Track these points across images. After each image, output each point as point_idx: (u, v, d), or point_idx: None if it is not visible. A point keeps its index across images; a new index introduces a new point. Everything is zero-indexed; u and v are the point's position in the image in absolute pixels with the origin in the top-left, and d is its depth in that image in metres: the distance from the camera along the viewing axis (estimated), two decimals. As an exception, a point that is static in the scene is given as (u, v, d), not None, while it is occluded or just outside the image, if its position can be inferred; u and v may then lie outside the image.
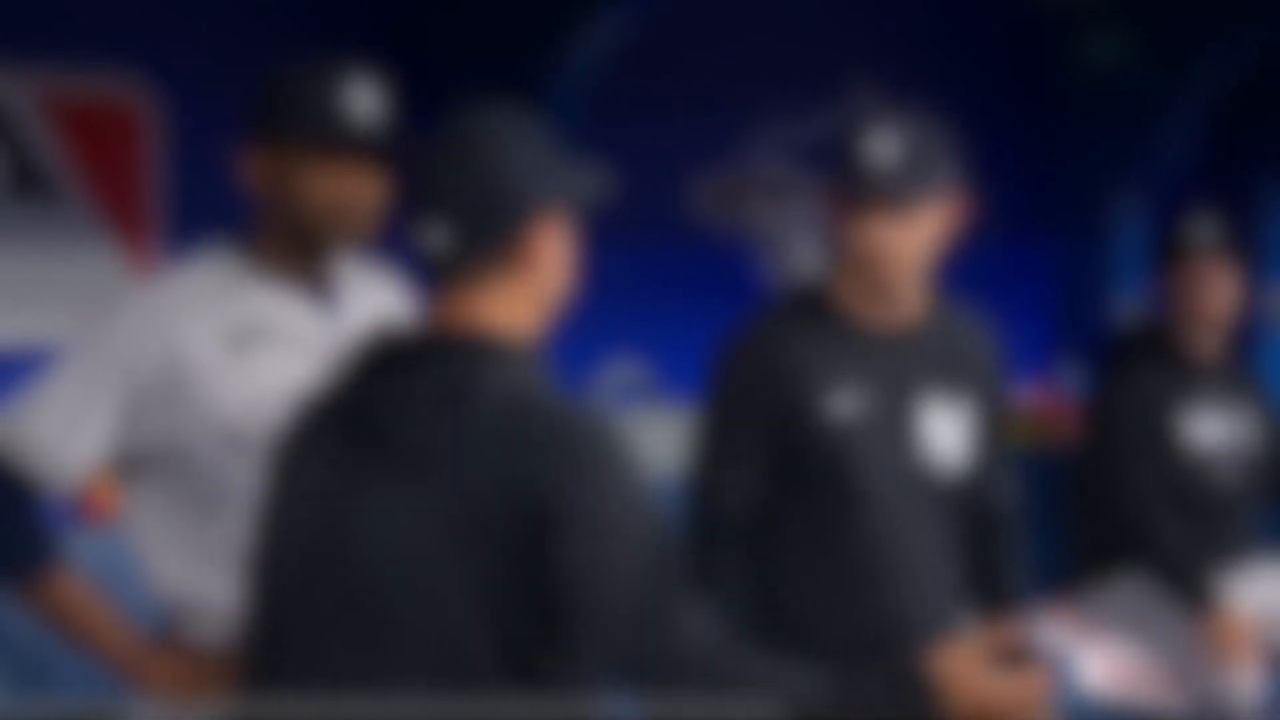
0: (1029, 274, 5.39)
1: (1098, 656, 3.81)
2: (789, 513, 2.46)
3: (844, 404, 2.49)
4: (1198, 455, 3.72)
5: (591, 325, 5.09)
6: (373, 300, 2.43)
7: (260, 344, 2.28)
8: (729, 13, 4.94)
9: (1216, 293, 3.71)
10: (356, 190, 2.29)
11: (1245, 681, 3.65)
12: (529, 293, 1.88)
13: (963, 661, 1.80)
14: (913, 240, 2.49)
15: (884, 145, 2.50)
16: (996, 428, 2.62)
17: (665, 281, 4.91)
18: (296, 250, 2.33)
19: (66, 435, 2.20)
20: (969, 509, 2.56)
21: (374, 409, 1.80)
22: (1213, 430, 3.74)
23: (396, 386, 1.80)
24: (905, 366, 2.56)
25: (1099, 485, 3.83)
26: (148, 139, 3.97)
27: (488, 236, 1.84)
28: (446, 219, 1.84)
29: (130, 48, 3.95)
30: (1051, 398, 5.24)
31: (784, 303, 2.63)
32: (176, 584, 2.30)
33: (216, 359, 2.25)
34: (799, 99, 5.20)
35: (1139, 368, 3.78)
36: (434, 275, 1.87)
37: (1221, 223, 3.75)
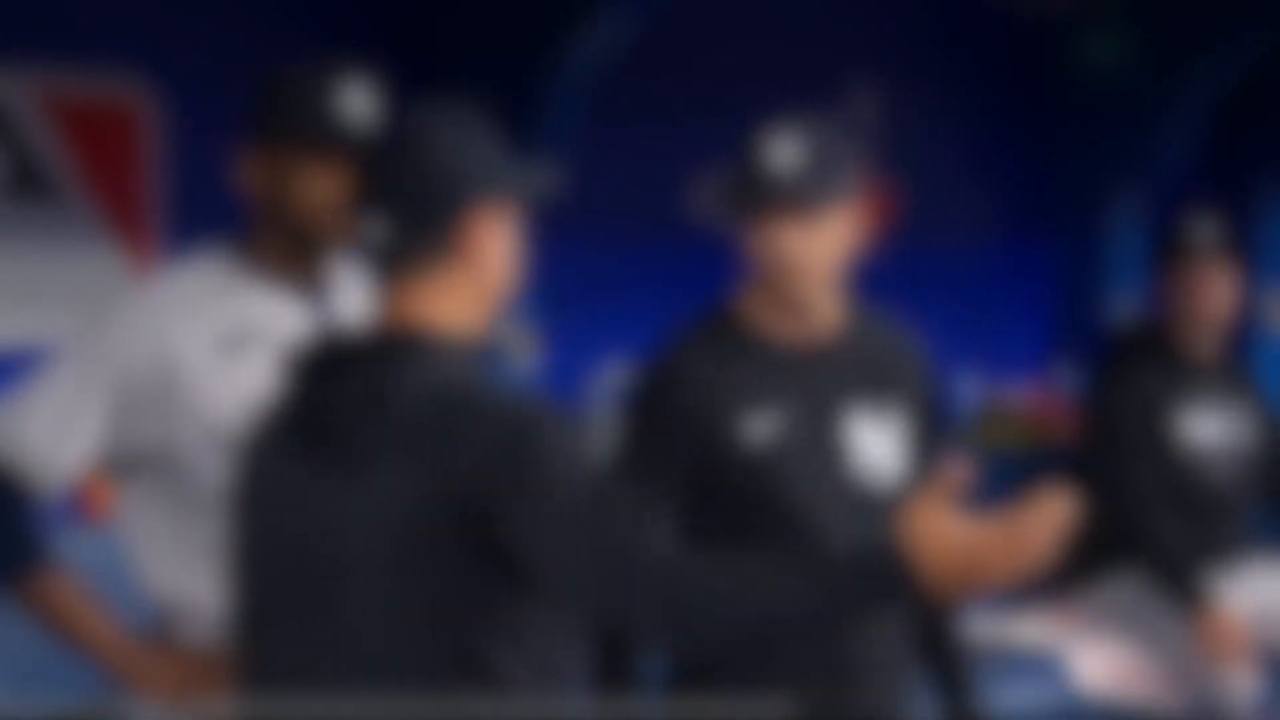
0: (1027, 274, 5.39)
1: (1093, 655, 3.82)
2: (718, 547, 2.36)
3: (762, 427, 2.41)
4: (1195, 454, 3.72)
5: (592, 325, 5.10)
6: (366, 303, 2.42)
7: (252, 347, 2.28)
8: (729, 13, 4.95)
9: (1216, 293, 3.71)
10: (350, 191, 2.29)
11: (1240, 680, 3.65)
12: (469, 287, 1.86)
13: (928, 517, 1.75)
14: (820, 247, 2.43)
15: (783, 150, 2.46)
16: (934, 434, 2.56)
17: (665, 282, 4.92)
18: (290, 252, 2.33)
19: (57, 436, 2.20)
20: None
21: (320, 410, 1.81)
22: (1210, 430, 3.74)
23: (340, 386, 1.81)
24: (824, 382, 2.47)
25: (1097, 484, 3.83)
26: (148, 139, 3.97)
27: (426, 230, 1.84)
28: (386, 214, 1.84)
29: (131, 48, 3.96)
30: (1048, 397, 5.24)
31: (691, 327, 2.52)
32: (169, 584, 2.30)
33: (209, 361, 2.25)
34: (799, 99, 5.20)
35: (1138, 367, 3.78)
36: (377, 271, 1.87)
37: (1221, 223, 3.75)
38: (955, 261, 5.41)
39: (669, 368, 2.49)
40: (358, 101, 2.26)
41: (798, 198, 2.40)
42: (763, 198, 2.40)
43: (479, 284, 1.87)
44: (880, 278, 5.80)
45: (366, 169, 1.88)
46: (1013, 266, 5.39)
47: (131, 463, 2.26)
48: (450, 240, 1.85)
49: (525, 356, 4.54)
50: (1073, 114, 5.29)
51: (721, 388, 2.42)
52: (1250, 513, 3.82)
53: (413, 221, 1.84)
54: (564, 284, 4.63)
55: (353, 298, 2.38)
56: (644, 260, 4.91)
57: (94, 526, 3.52)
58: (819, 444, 2.42)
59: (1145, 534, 3.72)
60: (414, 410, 1.75)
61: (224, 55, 3.95)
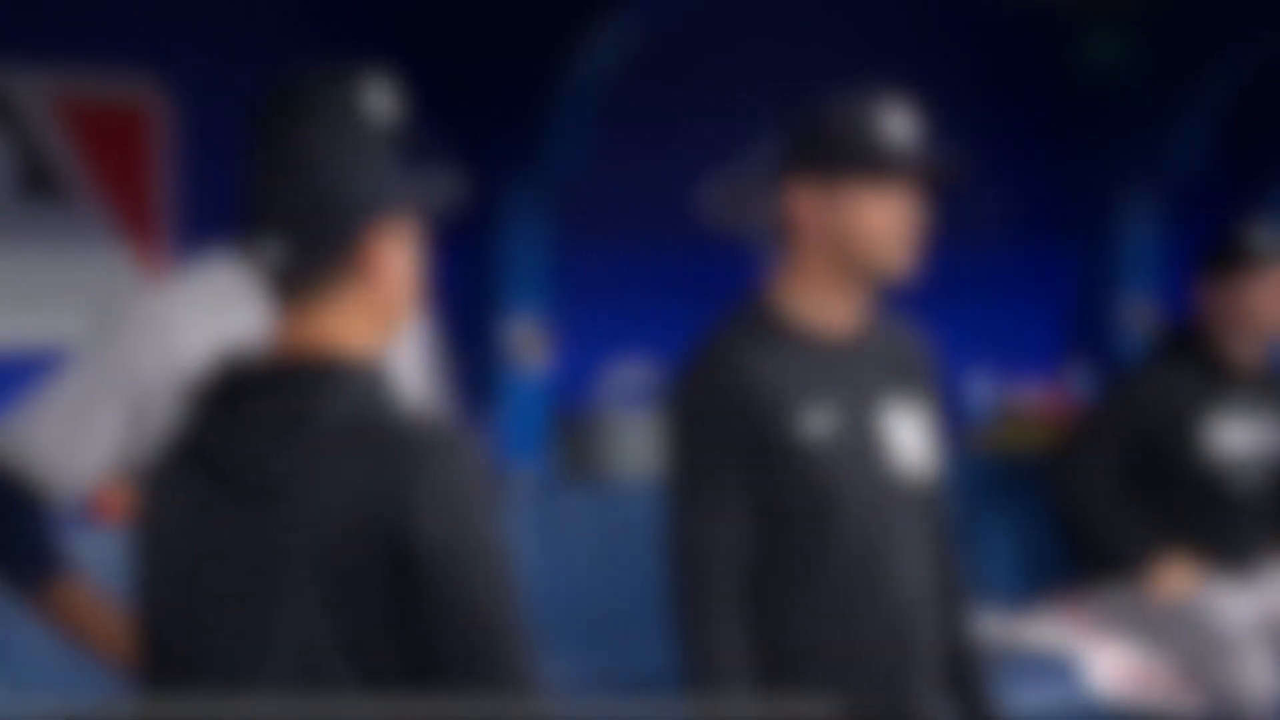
0: (1039, 275, 5.37)
1: (1107, 656, 3.81)
2: (773, 541, 2.40)
3: (817, 420, 2.44)
4: (1224, 457, 3.72)
5: (599, 326, 5.09)
6: None
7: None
8: (742, 15, 4.94)
9: (1269, 300, 3.72)
10: None
11: (1255, 680, 3.64)
12: (370, 306, 1.83)
13: None
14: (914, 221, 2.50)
15: (904, 122, 2.52)
16: (940, 429, 2.60)
17: (673, 283, 4.91)
18: None
19: (73, 444, 2.19)
20: (934, 509, 2.53)
21: (220, 440, 1.79)
22: (1242, 437, 3.74)
23: (240, 415, 1.79)
24: (865, 374, 2.51)
25: (1057, 463, 3.82)
26: (158, 140, 3.97)
27: (324, 251, 1.80)
28: (281, 235, 1.82)
29: (141, 49, 3.95)
30: (1061, 398, 5.23)
31: (728, 320, 2.54)
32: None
33: (198, 374, 2.24)
34: (806, 101, 5.19)
35: (1170, 371, 3.77)
36: (274, 293, 1.84)
37: (1271, 231, 3.77)
38: (967, 262, 5.39)
39: (720, 361, 2.47)
40: (376, 101, 2.26)
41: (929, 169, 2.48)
42: (895, 168, 2.44)
43: (379, 302, 1.83)
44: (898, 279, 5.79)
45: (259, 188, 1.86)
46: (1025, 267, 5.38)
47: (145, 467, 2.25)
48: (349, 260, 1.81)
49: (535, 358, 4.53)
50: (1085, 115, 5.27)
51: (775, 380, 2.43)
52: (1276, 517, 3.81)
53: (310, 242, 1.80)
54: (574, 284, 4.62)
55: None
56: (654, 261, 4.90)
57: (106, 527, 3.51)
58: (865, 436, 2.45)
59: (1092, 509, 3.71)
60: (327, 437, 1.73)
61: (235, 56, 3.94)
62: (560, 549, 4.28)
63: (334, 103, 2.24)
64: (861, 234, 2.44)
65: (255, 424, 1.77)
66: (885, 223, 2.44)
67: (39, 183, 3.79)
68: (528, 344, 4.50)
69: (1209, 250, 3.91)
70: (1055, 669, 3.85)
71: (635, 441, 4.51)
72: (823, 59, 5.20)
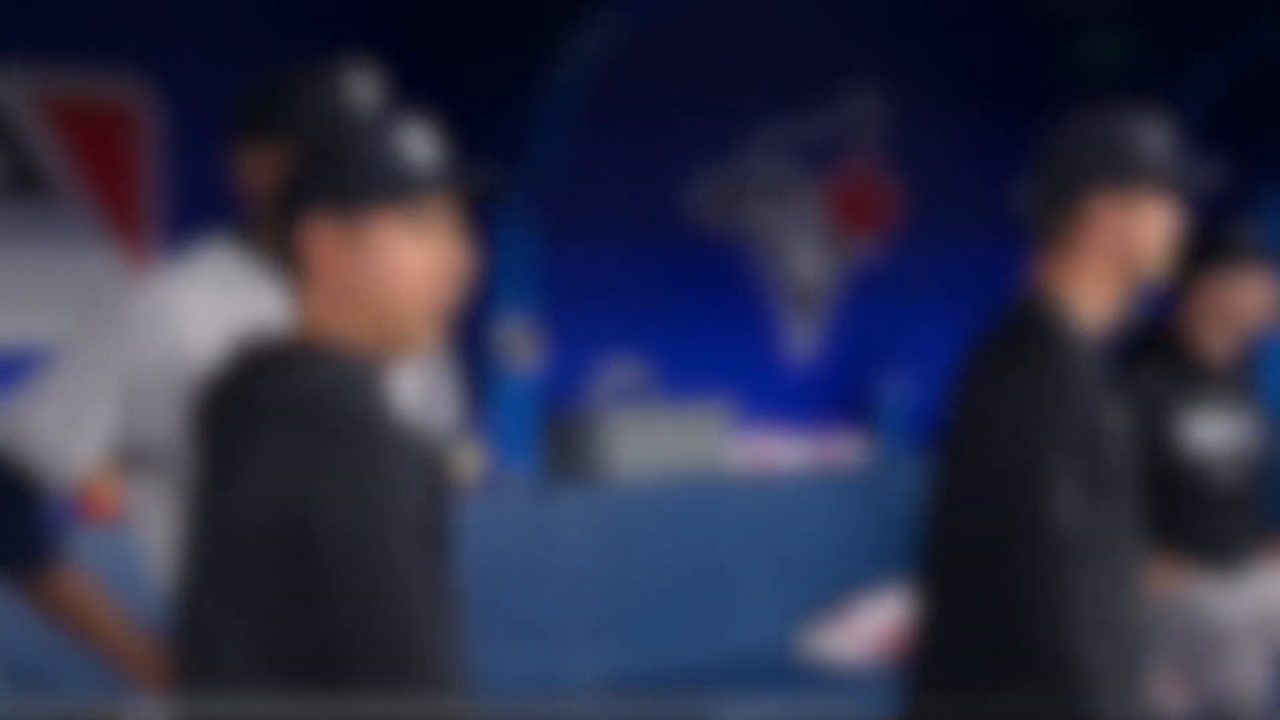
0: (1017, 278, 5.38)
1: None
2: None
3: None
4: (1202, 457, 3.71)
5: (591, 325, 5.09)
6: None
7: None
8: (730, 12, 4.94)
9: (1251, 298, 3.71)
10: None
11: (1249, 680, 3.63)
12: (368, 299, 1.82)
13: None
14: None
15: (1164, 137, 2.66)
16: None
17: (662, 281, 4.91)
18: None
19: (68, 431, 2.18)
20: None
21: (216, 412, 1.82)
22: (1218, 433, 3.74)
23: (232, 389, 1.82)
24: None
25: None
26: (147, 140, 3.96)
27: (313, 233, 1.83)
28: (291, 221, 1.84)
29: (129, 49, 3.94)
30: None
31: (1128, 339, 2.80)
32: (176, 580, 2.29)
33: (216, 354, 2.24)
34: (799, 99, 5.19)
35: (1144, 368, 3.76)
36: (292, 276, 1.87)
37: (1256, 230, 3.76)
38: (968, 263, 5.39)
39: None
40: (362, 94, 2.25)
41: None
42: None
43: (379, 297, 1.82)
44: (895, 279, 5.79)
45: (296, 171, 1.86)
46: (1026, 268, 5.37)
47: (141, 458, 2.24)
48: (335, 241, 1.81)
49: (526, 357, 4.52)
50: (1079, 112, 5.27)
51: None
52: (1257, 514, 3.81)
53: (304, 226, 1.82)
54: (563, 284, 4.61)
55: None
56: (644, 259, 4.89)
57: (99, 525, 3.50)
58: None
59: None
60: (267, 418, 1.75)
61: (223, 56, 3.94)
62: (552, 548, 4.27)
63: (318, 96, 2.23)
64: (1143, 243, 2.61)
65: (234, 400, 1.79)
66: (1160, 232, 2.62)
67: (27, 182, 3.78)
68: (518, 345, 4.49)
69: (1188, 247, 3.91)
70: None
71: (627, 441, 4.50)
72: (814, 56, 5.20)
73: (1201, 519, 3.74)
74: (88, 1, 3.90)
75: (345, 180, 1.81)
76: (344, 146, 1.82)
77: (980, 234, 5.26)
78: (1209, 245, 3.78)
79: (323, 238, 1.81)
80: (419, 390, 2.38)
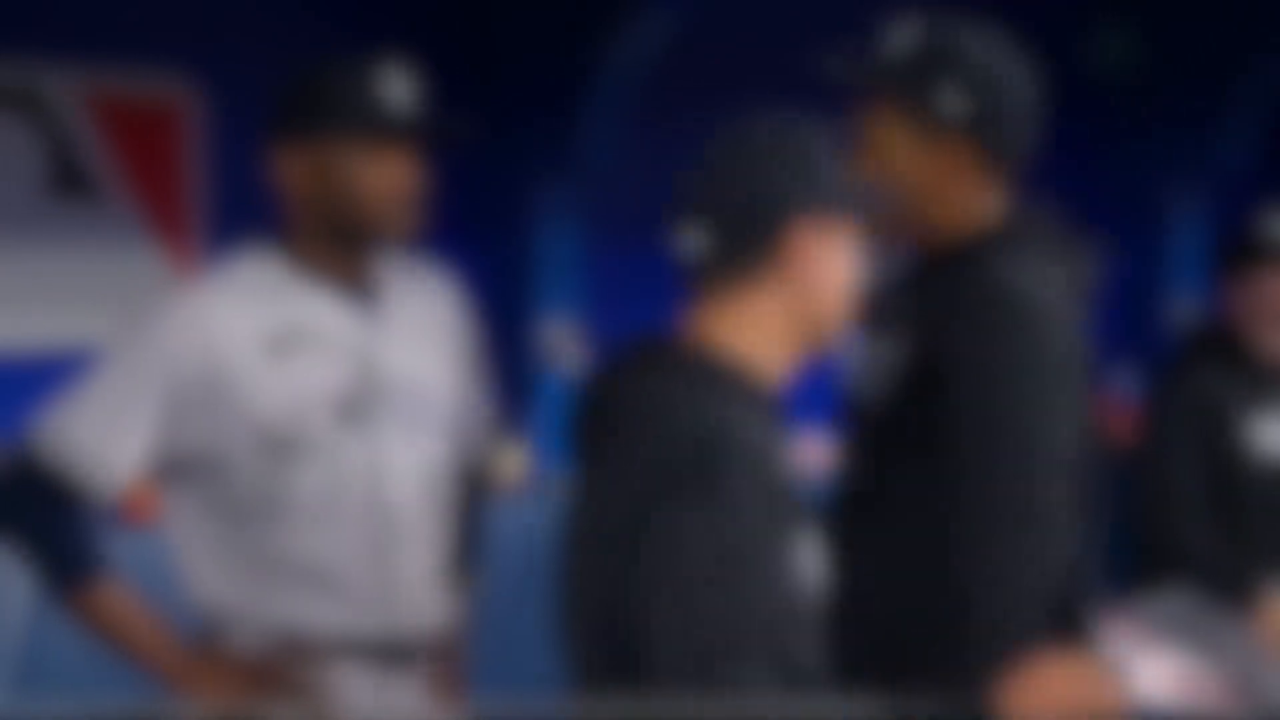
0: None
1: (1157, 665, 3.74)
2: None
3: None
4: (1261, 458, 3.65)
5: (635, 324, 5.04)
6: (419, 301, 2.37)
7: (301, 348, 2.24)
8: (776, 10, 4.89)
9: None
10: (399, 179, 2.25)
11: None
12: (781, 311, 1.79)
13: (1031, 679, 1.75)
14: None
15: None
16: None
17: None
18: (337, 250, 2.29)
19: (107, 441, 2.16)
20: None
21: (585, 417, 1.83)
22: (1277, 434, 3.67)
23: (605, 394, 1.81)
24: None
25: (1143, 491, 3.76)
26: (191, 139, 3.95)
27: (742, 244, 1.76)
28: (707, 224, 1.77)
29: (174, 48, 3.93)
30: (1108, 403, 5.16)
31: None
32: (214, 591, 2.26)
33: (256, 363, 2.20)
34: (845, 97, 5.13)
35: (1200, 370, 3.71)
36: (689, 282, 1.81)
37: None
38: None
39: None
40: (400, 87, 2.22)
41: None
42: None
43: (794, 307, 1.79)
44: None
45: (687, 180, 1.85)
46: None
47: (179, 466, 2.22)
48: (767, 257, 1.76)
49: (570, 359, 4.49)
50: (1131, 113, 5.20)
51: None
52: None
53: (730, 234, 1.76)
54: (608, 283, 4.57)
55: (402, 295, 2.33)
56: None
57: (138, 529, 3.49)
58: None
59: (1187, 543, 3.66)
60: (632, 427, 1.75)
61: (268, 54, 3.91)
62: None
63: (351, 93, 2.20)
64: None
65: (604, 405, 1.80)
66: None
67: (70, 181, 3.77)
68: (562, 345, 4.45)
69: (1227, 245, 3.84)
70: (1102, 677, 3.78)
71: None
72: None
73: (1265, 521, 3.68)
74: (133, 1, 3.88)
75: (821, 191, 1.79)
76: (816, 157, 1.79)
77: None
78: (1240, 241, 3.71)
79: (801, 239, 1.77)
80: (451, 383, 2.34)
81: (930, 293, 2.25)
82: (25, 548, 2.19)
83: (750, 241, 1.80)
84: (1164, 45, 5.25)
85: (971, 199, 2.28)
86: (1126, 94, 5.16)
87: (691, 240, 1.81)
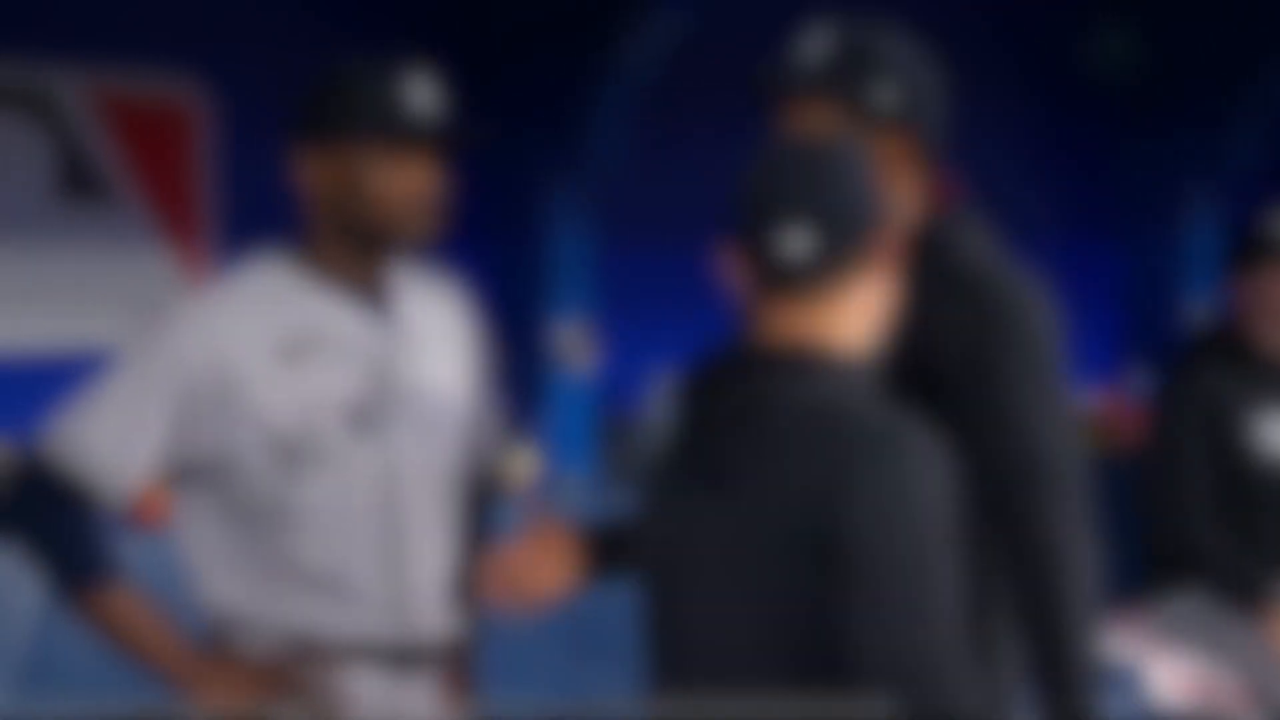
0: (1097, 275, 5.30)
1: (1169, 669, 3.72)
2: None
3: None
4: (1269, 458, 3.63)
5: (647, 325, 5.03)
6: (430, 308, 2.36)
7: (313, 353, 2.22)
8: (787, 10, 4.87)
9: None
10: (420, 183, 2.23)
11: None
12: (867, 307, 1.83)
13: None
14: None
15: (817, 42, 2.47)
16: None
17: (721, 282, 4.84)
18: (351, 255, 2.28)
19: (120, 446, 2.15)
20: None
21: (697, 426, 1.80)
22: None
23: (718, 402, 1.80)
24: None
25: (1157, 493, 3.75)
26: (201, 141, 3.94)
27: (847, 247, 1.79)
28: (804, 226, 1.79)
29: (185, 50, 3.92)
30: (1120, 402, 5.14)
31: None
32: (224, 596, 2.25)
33: (268, 369, 2.19)
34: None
35: (1207, 371, 3.68)
36: (781, 284, 1.80)
37: None
38: (1021, 262, 5.30)
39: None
40: (421, 91, 2.21)
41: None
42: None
43: (876, 304, 1.84)
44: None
45: (778, 180, 1.85)
46: (1082, 267, 5.30)
47: (191, 472, 2.22)
48: (861, 259, 1.80)
49: (581, 360, 4.48)
50: (1146, 113, 5.19)
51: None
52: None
53: (837, 236, 1.79)
54: (619, 284, 4.56)
55: (413, 301, 2.32)
56: (701, 259, 4.83)
57: (148, 533, 3.48)
58: None
59: (1198, 544, 3.64)
60: (781, 427, 1.74)
61: (278, 56, 3.91)
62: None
63: (371, 96, 2.19)
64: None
65: (719, 410, 1.78)
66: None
67: (81, 182, 3.77)
68: (573, 346, 4.44)
69: (1233, 243, 3.82)
70: (1115, 681, 3.77)
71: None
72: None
73: (1275, 522, 3.66)
74: (143, 2, 3.88)
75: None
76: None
77: (1047, 234, 5.17)
78: (1246, 239, 3.70)
79: (878, 244, 1.82)
80: (462, 389, 2.34)
81: (914, 280, 2.27)
82: (36, 551, 2.18)
83: (853, 243, 1.83)
84: (1176, 46, 5.24)
85: (911, 191, 2.32)
86: (1139, 95, 5.15)
87: (792, 242, 1.82)
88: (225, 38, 3.98)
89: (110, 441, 2.17)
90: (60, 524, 2.19)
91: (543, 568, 2.19)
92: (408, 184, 2.20)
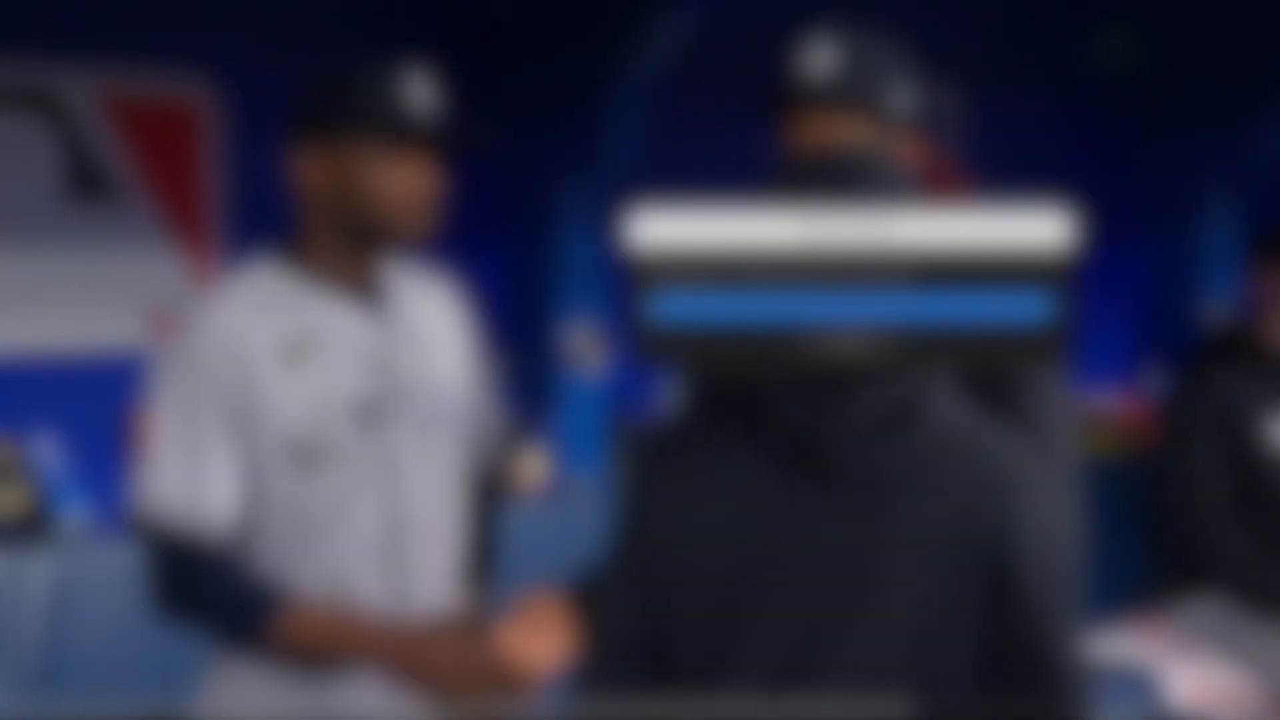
0: (1115, 275, 5.26)
1: (1187, 673, 3.69)
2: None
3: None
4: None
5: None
6: (426, 306, 2.36)
7: (316, 354, 2.22)
8: (802, 8, 4.84)
9: None
10: (417, 184, 2.23)
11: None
12: None
13: None
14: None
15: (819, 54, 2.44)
16: None
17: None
18: (346, 254, 2.27)
19: (197, 485, 2.15)
20: None
21: (810, 429, 1.71)
22: None
23: (834, 405, 1.71)
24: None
25: (1165, 494, 3.72)
26: (210, 141, 3.92)
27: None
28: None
29: (192, 48, 3.91)
30: (1137, 403, 5.11)
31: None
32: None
33: (277, 372, 2.19)
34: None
35: (1221, 370, 3.66)
36: None
37: None
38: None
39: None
40: (421, 92, 2.20)
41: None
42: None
43: None
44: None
45: (841, 175, 1.79)
46: (1099, 267, 5.26)
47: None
48: None
49: (593, 362, 4.45)
50: (1162, 111, 5.15)
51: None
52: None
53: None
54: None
55: (410, 300, 2.31)
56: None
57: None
58: None
59: (1213, 548, 3.61)
60: (928, 442, 1.71)
61: (286, 57, 3.88)
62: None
63: (369, 96, 2.18)
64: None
65: (854, 417, 1.70)
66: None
67: (88, 183, 3.75)
68: (585, 348, 4.42)
69: (1248, 241, 3.81)
70: (1133, 686, 3.74)
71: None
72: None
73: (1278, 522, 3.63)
74: (151, 2, 3.86)
75: None
76: None
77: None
78: (1265, 240, 3.68)
79: None
80: (462, 388, 2.32)
81: None
82: (201, 622, 2.16)
83: None
84: (1189, 46, 5.21)
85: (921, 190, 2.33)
86: (1156, 95, 5.12)
87: None
88: (234, 38, 3.96)
89: (187, 485, 2.16)
90: (199, 586, 2.18)
91: (539, 647, 2.15)
92: (404, 184, 2.19)
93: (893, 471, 1.70)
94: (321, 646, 2.15)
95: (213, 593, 2.15)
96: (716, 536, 1.73)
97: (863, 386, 1.71)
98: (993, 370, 2.44)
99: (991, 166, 5.33)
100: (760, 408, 1.73)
